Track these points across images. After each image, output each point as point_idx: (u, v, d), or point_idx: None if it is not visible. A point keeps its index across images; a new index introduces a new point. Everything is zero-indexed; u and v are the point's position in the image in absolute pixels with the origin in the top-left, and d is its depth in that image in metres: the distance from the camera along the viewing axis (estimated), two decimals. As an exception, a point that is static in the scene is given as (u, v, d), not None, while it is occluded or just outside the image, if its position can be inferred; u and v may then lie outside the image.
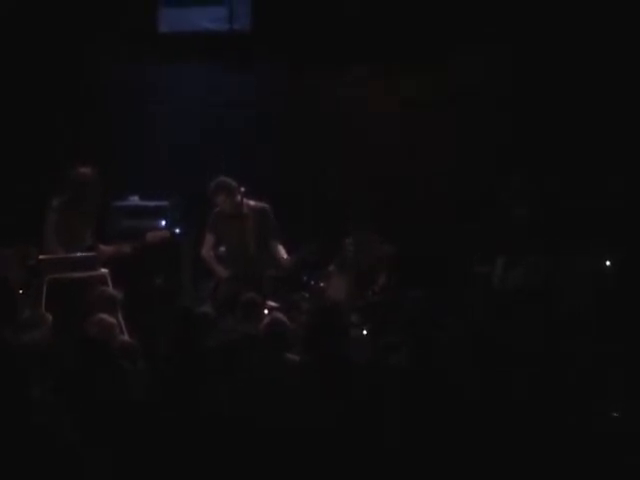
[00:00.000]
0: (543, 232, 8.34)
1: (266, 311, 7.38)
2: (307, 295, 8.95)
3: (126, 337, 7.33)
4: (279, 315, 6.90)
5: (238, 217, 8.22)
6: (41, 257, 7.72)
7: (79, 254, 7.83)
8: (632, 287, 8.19)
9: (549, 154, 9.40)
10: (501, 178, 9.31)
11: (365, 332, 7.95)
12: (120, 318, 7.57)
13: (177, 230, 9.67)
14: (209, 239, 8.36)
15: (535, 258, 8.10)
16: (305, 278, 9.04)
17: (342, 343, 6.02)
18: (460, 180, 9.88)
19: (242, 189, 8.22)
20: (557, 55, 9.55)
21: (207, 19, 10.22)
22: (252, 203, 8.30)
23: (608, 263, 8.38)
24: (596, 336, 7.08)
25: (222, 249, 8.39)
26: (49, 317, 6.75)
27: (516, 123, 9.70)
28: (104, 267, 7.89)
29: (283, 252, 8.21)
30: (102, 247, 7.93)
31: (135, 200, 9.83)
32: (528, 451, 4.82)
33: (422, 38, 9.79)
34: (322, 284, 9.00)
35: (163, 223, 9.56)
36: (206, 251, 8.34)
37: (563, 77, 9.50)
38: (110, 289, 7.71)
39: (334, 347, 5.78)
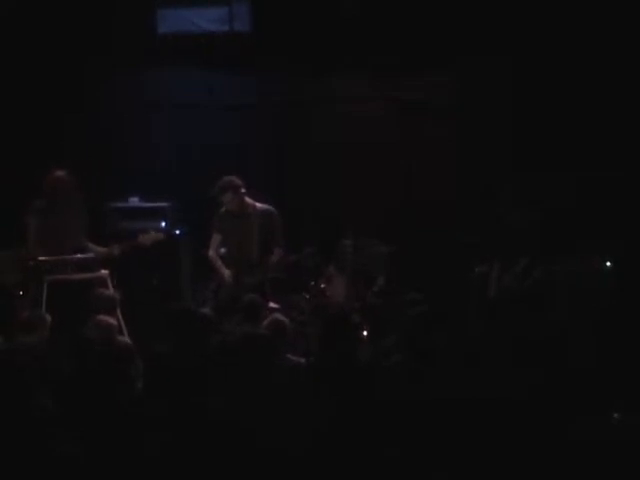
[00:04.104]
0: (539, 236, 8.32)
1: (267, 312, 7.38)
2: (307, 296, 8.95)
3: (126, 338, 7.35)
4: (280, 316, 6.91)
5: (243, 216, 8.25)
6: (41, 258, 7.75)
7: (79, 255, 7.86)
8: (632, 288, 8.18)
9: (547, 161, 9.38)
10: (497, 183, 9.32)
11: (365, 333, 7.94)
12: (120, 319, 7.59)
13: (177, 231, 9.68)
14: (215, 239, 8.37)
15: (530, 261, 8.08)
16: (305, 280, 9.03)
17: (355, 345, 6.08)
18: (459, 185, 9.87)
19: (244, 189, 8.25)
20: (556, 67, 9.53)
21: (207, 20, 10.19)
22: (259, 205, 8.34)
23: (608, 264, 8.36)
24: (596, 338, 7.08)
25: (222, 250, 8.39)
26: (49, 318, 6.75)
27: (515, 132, 9.69)
28: (104, 268, 7.93)
29: (276, 256, 8.24)
30: (92, 248, 7.97)
31: (135, 201, 9.84)
32: (526, 452, 4.82)
33: (423, 49, 9.77)
34: (322, 285, 9.00)
35: (163, 224, 9.56)
36: (213, 251, 8.34)
37: (562, 88, 9.48)
38: (110, 290, 7.73)
39: (349, 349, 5.82)
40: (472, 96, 9.90)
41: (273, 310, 7.57)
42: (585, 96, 9.35)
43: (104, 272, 7.95)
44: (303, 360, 6.55)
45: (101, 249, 8.02)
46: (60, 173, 8.03)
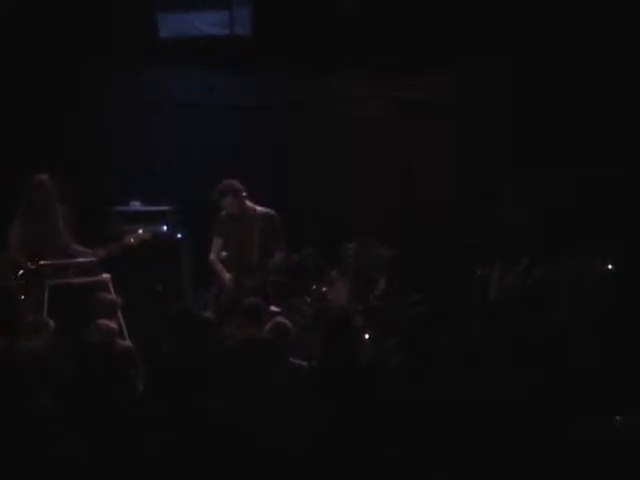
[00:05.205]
0: (539, 236, 8.33)
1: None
2: (309, 300, 8.94)
3: (127, 342, 7.36)
4: (282, 320, 6.91)
5: (244, 220, 8.25)
6: (43, 262, 7.76)
7: (81, 259, 7.88)
8: (632, 288, 8.18)
9: (547, 161, 9.39)
10: (497, 183, 9.33)
11: (367, 336, 7.94)
12: (122, 323, 7.60)
13: (178, 235, 9.67)
14: (216, 243, 8.36)
15: (531, 262, 8.10)
16: (307, 283, 9.02)
17: (356, 347, 6.10)
18: (459, 185, 9.87)
19: (244, 193, 8.26)
20: (556, 67, 9.53)
21: (208, 23, 10.18)
22: (259, 208, 8.34)
23: (610, 266, 8.36)
24: (596, 338, 7.09)
25: (224, 254, 8.39)
26: (51, 323, 6.76)
27: (515, 132, 9.69)
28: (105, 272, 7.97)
29: (277, 258, 8.24)
30: (77, 250, 7.99)
31: (137, 205, 9.84)
32: (526, 452, 4.83)
33: (423, 49, 9.76)
34: (324, 289, 8.98)
35: (164, 228, 9.56)
36: (214, 255, 8.33)
37: (562, 88, 9.48)
38: (111, 294, 7.74)
39: (350, 351, 5.84)
40: (472, 96, 9.89)
41: (275, 314, 7.57)
42: (585, 96, 9.34)
43: (106, 276, 7.97)
44: (305, 363, 6.55)
45: (86, 251, 8.03)
46: (42, 177, 8.05)
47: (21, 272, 7.76)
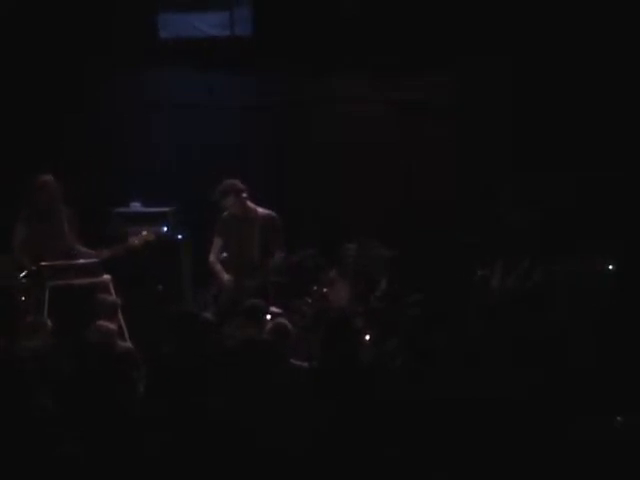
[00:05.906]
0: (539, 236, 8.33)
1: (269, 317, 7.37)
2: (310, 300, 8.93)
3: (127, 343, 7.36)
4: (283, 321, 6.91)
5: (245, 220, 8.25)
6: (43, 264, 7.75)
7: (81, 260, 7.87)
8: (632, 288, 8.18)
9: (547, 161, 9.39)
10: (497, 183, 9.33)
11: (368, 337, 7.93)
12: (122, 324, 7.60)
13: (179, 236, 9.67)
14: (217, 243, 8.35)
15: (532, 262, 8.10)
16: (307, 284, 9.01)
17: (356, 348, 6.10)
18: (459, 185, 9.87)
19: (245, 194, 8.25)
20: (556, 67, 9.54)
21: (208, 24, 10.20)
22: (260, 210, 8.33)
23: (611, 267, 8.36)
24: (596, 338, 7.09)
25: (224, 255, 8.38)
26: (48, 323, 6.76)
27: (515, 132, 9.69)
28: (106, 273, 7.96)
29: (277, 258, 8.23)
30: (80, 251, 7.98)
31: (137, 206, 9.84)
32: (526, 452, 4.83)
33: (423, 49, 9.76)
34: (324, 290, 8.98)
35: (165, 229, 9.56)
36: (213, 256, 8.32)
37: (562, 88, 9.49)
38: (112, 295, 7.74)
39: (351, 351, 5.84)
40: (472, 96, 9.89)
41: (276, 315, 7.57)
42: (585, 96, 9.34)
43: (106, 277, 7.96)
44: (306, 364, 6.55)
45: (90, 252, 8.03)
46: (45, 177, 8.04)
47: (24, 273, 7.76)
